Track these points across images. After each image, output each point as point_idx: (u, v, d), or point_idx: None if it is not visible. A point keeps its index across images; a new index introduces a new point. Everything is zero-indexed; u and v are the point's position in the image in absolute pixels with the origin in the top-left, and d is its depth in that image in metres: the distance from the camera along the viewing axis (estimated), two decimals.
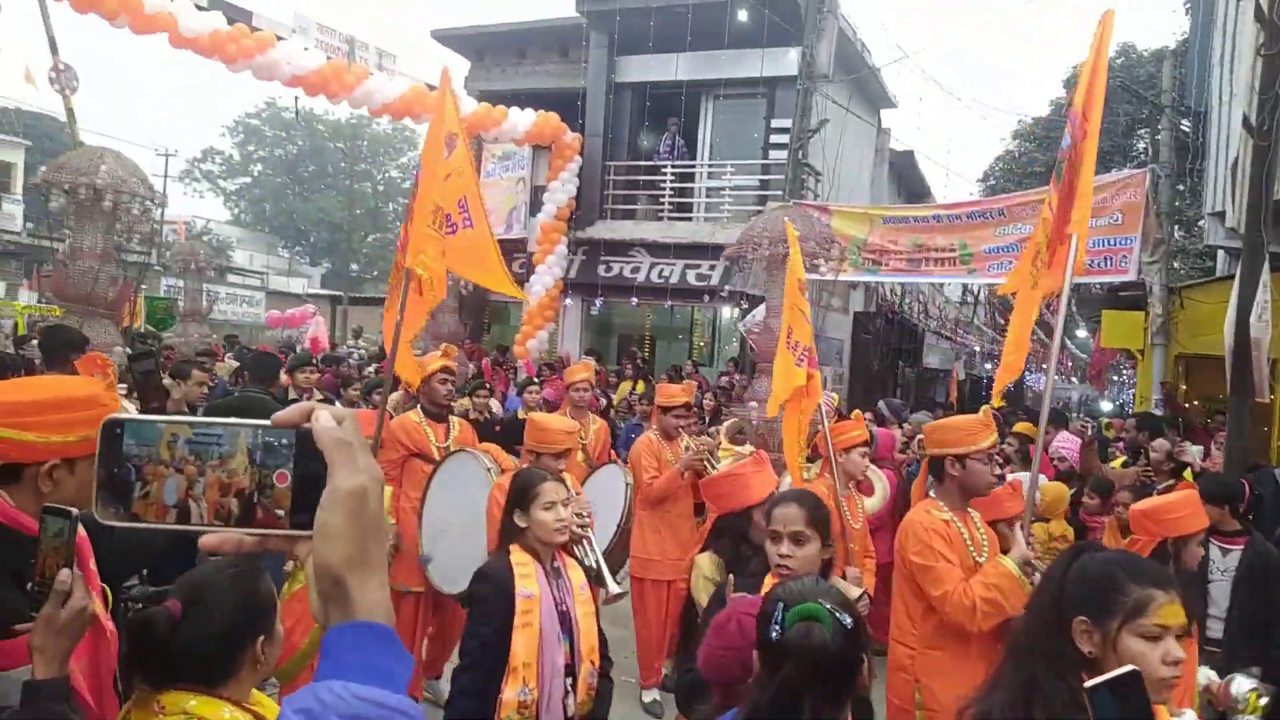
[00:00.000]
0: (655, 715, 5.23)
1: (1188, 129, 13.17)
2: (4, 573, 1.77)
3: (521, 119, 14.11)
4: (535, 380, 9.72)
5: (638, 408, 10.18)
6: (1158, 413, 9.81)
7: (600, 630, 2.88)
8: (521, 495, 2.82)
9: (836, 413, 6.12)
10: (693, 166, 15.49)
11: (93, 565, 1.97)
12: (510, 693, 2.59)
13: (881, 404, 9.33)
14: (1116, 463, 7.18)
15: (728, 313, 15.54)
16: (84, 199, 8.08)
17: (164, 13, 10.28)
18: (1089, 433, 6.91)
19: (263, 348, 15.11)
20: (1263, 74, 6.80)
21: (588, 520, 3.49)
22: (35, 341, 7.43)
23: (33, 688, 1.55)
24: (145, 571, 2.76)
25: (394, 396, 6.27)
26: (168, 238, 25.34)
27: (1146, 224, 10.44)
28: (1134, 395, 14.54)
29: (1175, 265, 15.22)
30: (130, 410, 2.90)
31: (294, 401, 5.83)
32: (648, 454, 5.44)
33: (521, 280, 15.27)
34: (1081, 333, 23.01)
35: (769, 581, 2.54)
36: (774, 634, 1.67)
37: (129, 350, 7.64)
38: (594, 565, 3.30)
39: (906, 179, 20.47)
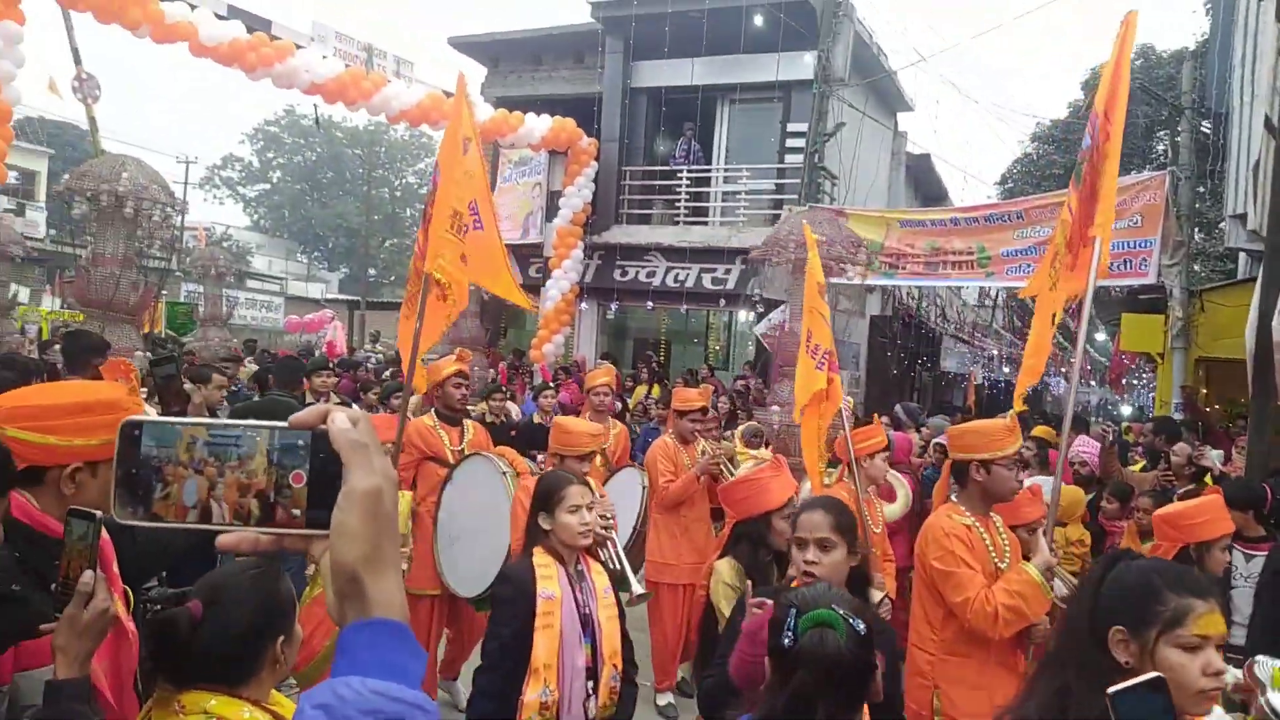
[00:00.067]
0: (669, 718, 5.23)
1: (1208, 130, 13.06)
2: (29, 574, 1.80)
3: (538, 125, 14.17)
4: (551, 385, 9.73)
5: (653, 412, 10.19)
6: (1177, 417, 9.71)
7: (626, 635, 2.88)
8: (547, 498, 2.83)
9: (853, 416, 6.10)
10: (708, 171, 15.50)
11: (115, 568, 1.99)
12: (531, 694, 2.60)
13: (898, 408, 9.27)
14: (1136, 467, 7.11)
15: (743, 316, 15.52)
16: (106, 206, 8.17)
17: (184, 22, 10.40)
18: (1109, 437, 6.84)
19: (282, 352, 15.23)
20: None
21: (612, 522, 3.49)
22: (58, 346, 7.52)
23: (55, 687, 1.57)
24: (164, 573, 2.79)
25: (413, 400, 6.30)
26: (188, 244, 25.56)
27: (1166, 226, 10.35)
28: (1154, 399, 14.39)
29: (1195, 268, 15.08)
30: (151, 414, 2.93)
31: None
32: (664, 458, 5.44)
33: (537, 285, 15.33)
34: (1101, 336, 22.83)
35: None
36: (787, 641, 1.66)
37: (150, 355, 7.73)
38: (618, 567, 3.30)
39: (923, 182, 20.38)
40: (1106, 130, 3.09)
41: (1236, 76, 11.12)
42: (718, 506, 5.03)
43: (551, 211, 15.57)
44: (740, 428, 7.40)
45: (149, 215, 8.44)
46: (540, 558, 2.78)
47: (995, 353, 23.07)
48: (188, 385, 5.52)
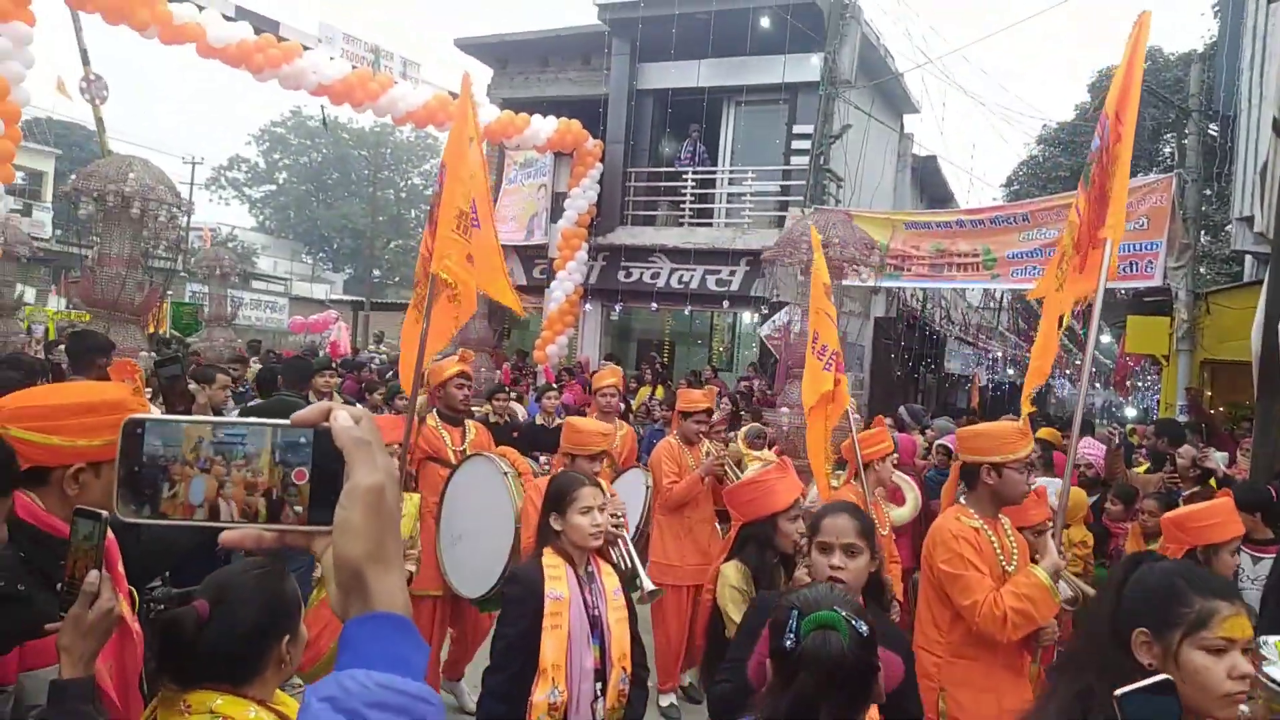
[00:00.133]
0: (672, 719, 5.22)
1: (1215, 133, 13.01)
2: (34, 574, 1.80)
3: (543, 126, 14.18)
4: (554, 386, 9.74)
5: (657, 413, 10.19)
6: (1182, 419, 9.68)
7: (636, 637, 2.88)
8: (559, 499, 2.83)
9: (859, 418, 6.08)
10: (714, 172, 15.49)
11: (120, 568, 1.99)
12: (540, 694, 2.60)
13: (902, 410, 9.26)
14: (1141, 469, 7.09)
15: (747, 318, 15.51)
16: (112, 206, 8.19)
17: (192, 23, 10.44)
18: (1115, 440, 6.82)
19: (287, 353, 15.26)
20: None
21: (623, 520, 3.49)
22: (63, 346, 7.54)
23: (59, 687, 1.57)
24: (167, 573, 2.79)
25: (420, 400, 6.31)
26: (193, 244, 25.63)
27: (1172, 229, 10.32)
28: (1159, 401, 14.36)
29: (1201, 270, 15.04)
30: (156, 414, 2.94)
31: None
32: (668, 459, 5.44)
33: (541, 286, 15.35)
34: (1106, 338, 22.77)
35: None
36: (789, 643, 1.65)
37: (155, 355, 7.75)
38: (629, 565, 3.30)
39: (929, 184, 20.36)
40: (1118, 131, 3.07)
41: (1244, 79, 11.09)
42: (723, 508, 5.02)
43: (556, 213, 15.58)
44: (743, 429, 7.39)
45: (155, 216, 8.45)
46: (550, 558, 2.78)
47: (1000, 355, 23.02)
48: (192, 386, 5.53)
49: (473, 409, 6.17)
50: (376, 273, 45.55)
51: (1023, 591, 2.92)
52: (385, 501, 0.75)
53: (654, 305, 15.06)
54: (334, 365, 9.33)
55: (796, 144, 14.30)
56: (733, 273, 14.18)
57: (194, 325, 16.96)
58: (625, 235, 15.36)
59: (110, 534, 1.75)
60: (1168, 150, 22.01)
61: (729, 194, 15.41)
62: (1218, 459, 6.68)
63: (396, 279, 46.44)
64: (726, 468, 5.39)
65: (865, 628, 1.66)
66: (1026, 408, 3.61)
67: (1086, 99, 24.05)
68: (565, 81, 16.58)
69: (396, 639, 0.73)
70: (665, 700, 5.28)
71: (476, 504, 4.44)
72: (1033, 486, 4.09)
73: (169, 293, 14.47)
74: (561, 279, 14.96)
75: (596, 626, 2.77)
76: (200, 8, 10.77)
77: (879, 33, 15.20)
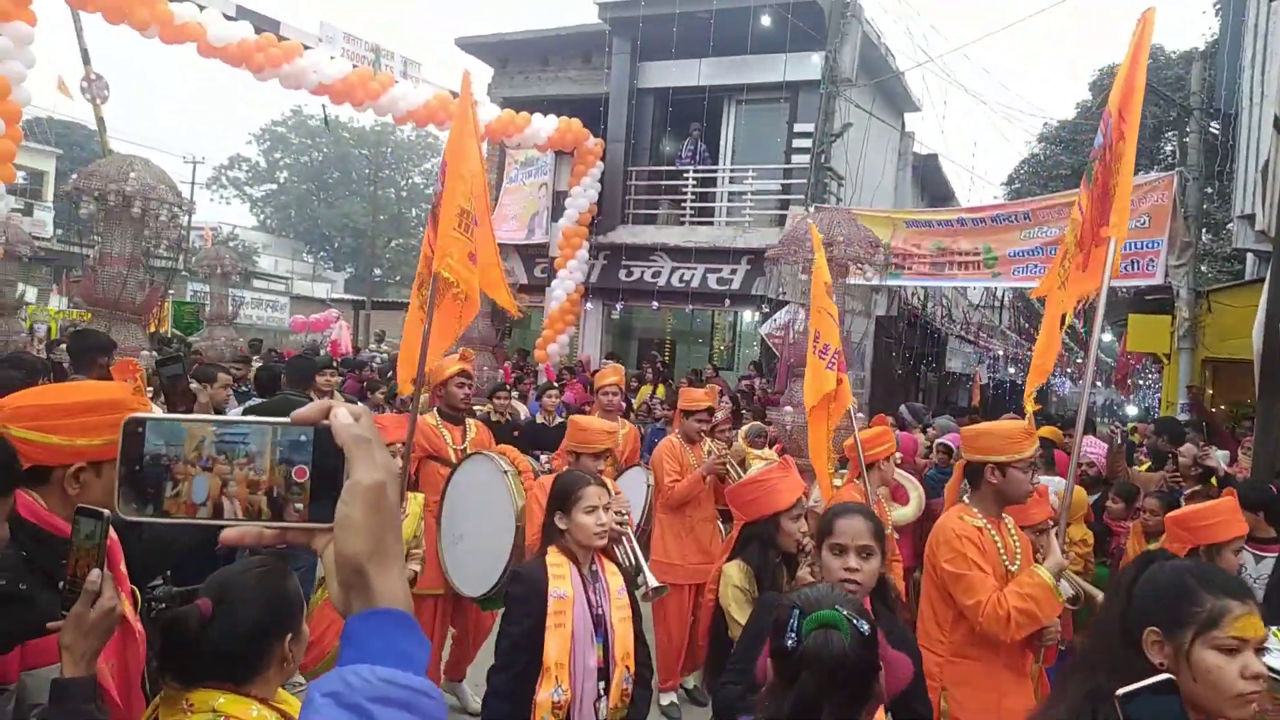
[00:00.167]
0: (673, 719, 5.22)
1: (1216, 131, 13.00)
2: (36, 573, 1.80)
3: (544, 125, 14.18)
4: (554, 385, 9.73)
5: (658, 412, 10.19)
6: (1183, 417, 9.68)
7: (640, 637, 2.87)
8: (564, 498, 2.83)
9: (862, 417, 6.08)
10: (715, 171, 15.49)
11: (123, 567, 1.99)
12: (544, 693, 2.60)
13: (903, 408, 9.26)
14: (1142, 468, 7.09)
15: (748, 317, 15.51)
16: (113, 206, 8.19)
17: (193, 23, 10.43)
18: (1117, 439, 6.82)
19: (289, 352, 15.27)
20: None
21: (627, 518, 3.49)
22: (64, 346, 7.55)
23: (61, 686, 1.57)
24: (168, 572, 2.80)
25: (423, 400, 6.31)
26: (194, 243, 25.63)
27: (1174, 227, 10.31)
28: (1160, 400, 14.35)
29: (1203, 269, 15.03)
30: (157, 412, 2.94)
31: None
32: (670, 457, 5.44)
33: (542, 285, 15.35)
34: (1107, 336, 22.76)
35: None
36: (790, 642, 1.64)
37: (156, 354, 7.75)
38: (633, 563, 3.29)
39: (930, 182, 20.35)
40: (1120, 129, 3.06)
41: (1246, 77, 11.07)
42: (726, 508, 5.02)
43: (557, 212, 15.58)
44: (744, 428, 7.39)
45: (156, 215, 8.46)
46: (554, 557, 2.78)
47: (1000, 353, 23.02)
48: (194, 385, 5.53)
49: (474, 408, 6.17)
50: (377, 272, 45.57)
51: (1026, 591, 2.92)
52: (386, 499, 0.76)
53: (655, 304, 15.06)
54: (334, 364, 9.32)
55: (797, 142, 14.29)
56: (734, 271, 14.18)
57: (195, 324, 16.97)
58: (626, 234, 15.36)
59: (113, 533, 1.75)
60: (1169, 148, 21.99)
61: (730, 193, 15.41)
62: (1219, 457, 6.68)
63: (397, 278, 46.45)
64: (729, 466, 5.38)
65: (866, 627, 1.65)
66: (1030, 406, 3.59)
67: (1088, 97, 24.02)
68: (566, 80, 16.57)
69: (399, 634, 0.73)
70: (666, 699, 5.28)
71: (477, 503, 4.44)
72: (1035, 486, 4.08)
73: (170, 292, 14.46)
74: (562, 278, 14.97)
75: (600, 626, 2.76)
76: (201, 7, 10.77)
77: (880, 31, 15.20)
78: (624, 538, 3.34)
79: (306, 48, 11.81)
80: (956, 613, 3.07)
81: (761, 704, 1.72)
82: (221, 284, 14.77)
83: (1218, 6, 18.26)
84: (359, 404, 0.88)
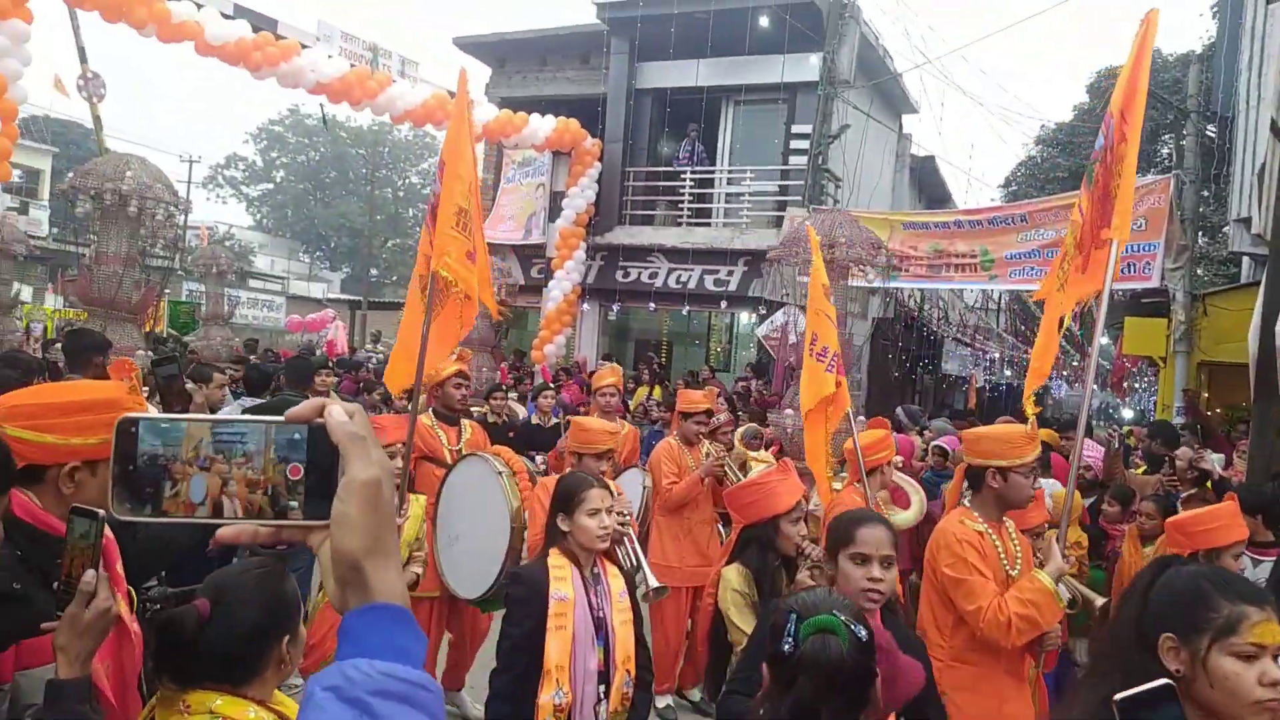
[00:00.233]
0: None
1: (1213, 134, 13.03)
2: (31, 572, 1.79)
3: (542, 125, 14.17)
4: (550, 385, 9.72)
5: (654, 414, 10.18)
6: (1179, 421, 9.69)
7: (641, 640, 2.86)
8: (567, 500, 2.82)
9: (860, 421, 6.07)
10: (712, 172, 15.49)
11: (119, 567, 1.98)
12: (545, 696, 2.59)
13: (900, 410, 9.26)
14: (1138, 471, 7.09)
15: (745, 318, 15.51)
16: (110, 204, 8.18)
17: (190, 21, 10.42)
18: (1115, 442, 6.82)
19: (285, 352, 15.24)
20: None
21: (629, 519, 3.48)
22: (59, 345, 7.53)
23: (56, 687, 1.56)
24: (163, 572, 2.79)
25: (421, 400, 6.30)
26: (190, 243, 25.59)
27: (1170, 230, 10.33)
28: (1155, 403, 14.37)
29: (1199, 272, 15.06)
30: (153, 412, 2.94)
31: None
32: (668, 459, 5.42)
33: (539, 285, 15.34)
34: (1103, 339, 22.79)
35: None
36: (787, 647, 1.63)
37: (152, 354, 7.73)
38: (634, 563, 3.28)
39: (927, 184, 20.38)
40: (1122, 131, 3.04)
41: (1242, 80, 11.10)
42: (725, 510, 5.01)
43: (554, 212, 15.57)
44: (740, 429, 7.38)
45: (152, 214, 8.45)
46: (555, 559, 2.78)
47: (997, 355, 23.03)
48: (189, 385, 5.52)
49: (471, 409, 6.16)
50: (374, 272, 45.51)
51: (1027, 597, 2.90)
52: (382, 495, 0.76)
53: (652, 305, 15.06)
54: (330, 364, 9.31)
55: (795, 144, 14.30)
56: (731, 273, 14.19)
57: (191, 324, 16.94)
58: (623, 235, 15.36)
59: (109, 533, 1.75)
60: (1165, 151, 22.02)
61: (727, 194, 15.41)
62: (1213, 460, 6.69)
63: (394, 278, 46.39)
64: (727, 469, 5.37)
65: (864, 632, 1.64)
66: (1031, 409, 3.57)
67: (1085, 100, 24.07)
68: (564, 81, 16.57)
69: (396, 629, 0.74)
70: (662, 702, 5.27)
71: (472, 504, 4.42)
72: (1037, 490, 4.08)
73: (166, 291, 14.44)
74: (559, 278, 14.96)
75: (601, 628, 2.76)
76: (198, 5, 10.76)
77: (878, 33, 15.21)
78: (625, 539, 3.33)
79: (304, 47, 11.80)
80: (956, 618, 3.05)
81: (758, 708, 1.71)
82: (217, 283, 14.76)
83: (1215, 9, 18.30)
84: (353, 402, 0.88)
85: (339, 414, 0.78)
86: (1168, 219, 10.15)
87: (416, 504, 4.30)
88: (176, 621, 1.62)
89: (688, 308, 15.02)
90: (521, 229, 16.12)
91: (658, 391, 12.40)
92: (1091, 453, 6.80)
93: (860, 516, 2.60)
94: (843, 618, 1.64)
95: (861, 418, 6.62)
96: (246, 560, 1.85)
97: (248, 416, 0.80)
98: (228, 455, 0.78)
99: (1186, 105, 12.89)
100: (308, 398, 6.01)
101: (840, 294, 7.36)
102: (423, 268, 3.94)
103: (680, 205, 15.36)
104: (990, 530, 3.11)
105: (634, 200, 15.64)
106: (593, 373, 10.04)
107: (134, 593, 2.05)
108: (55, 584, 1.62)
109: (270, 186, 49.15)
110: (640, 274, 14.98)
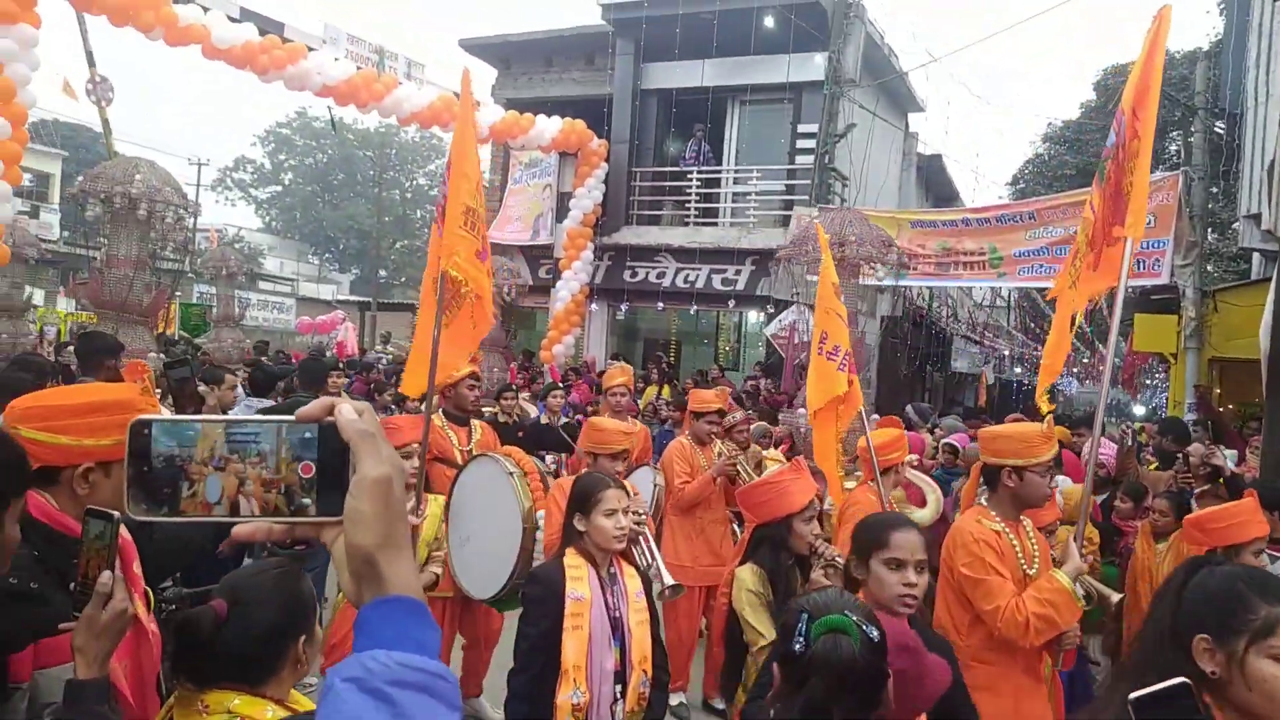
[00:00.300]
0: (681, 719, 5.20)
1: (1221, 131, 12.96)
2: (49, 573, 1.80)
3: (548, 126, 14.18)
4: (559, 385, 9.73)
5: (664, 413, 10.18)
6: (1190, 417, 9.65)
7: (658, 639, 2.86)
8: (584, 500, 2.83)
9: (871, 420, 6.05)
10: (718, 172, 15.48)
11: (136, 568, 1.99)
12: (563, 695, 2.60)
13: (909, 408, 9.26)
14: (1150, 467, 7.06)
15: (754, 317, 15.50)
16: (119, 208, 8.21)
17: (197, 25, 10.45)
18: (1128, 439, 6.79)
19: (296, 354, 15.29)
20: None
21: (644, 518, 3.47)
22: (72, 348, 7.56)
23: (75, 687, 1.57)
24: (179, 573, 2.80)
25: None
26: (200, 245, 25.74)
27: (1179, 227, 10.29)
28: (1167, 399, 14.31)
29: (1209, 268, 14.97)
30: (166, 414, 2.96)
31: None
32: (680, 459, 5.42)
33: (547, 286, 15.36)
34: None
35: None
36: (798, 646, 1.63)
37: (164, 356, 7.76)
38: (650, 562, 3.28)
39: (934, 183, 20.32)
40: (1135, 127, 3.02)
41: (1250, 77, 11.05)
42: (738, 509, 5.00)
43: (562, 213, 15.59)
44: (749, 428, 7.37)
45: (162, 217, 8.48)
46: (572, 559, 2.78)
47: (1006, 353, 22.97)
48: (201, 387, 5.54)
49: (482, 409, 6.16)
50: (383, 273, 45.63)
51: (1045, 597, 2.88)
52: (393, 491, 0.77)
53: (660, 305, 15.07)
54: (340, 366, 9.33)
55: (801, 143, 14.28)
56: (738, 272, 14.18)
57: (202, 326, 17.01)
58: (630, 235, 15.36)
59: (126, 533, 1.75)
60: (1174, 148, 21.93)
61: (734, 193, 15.40)
62: (1225, 457, 6.65)
63: (403, 279, 46.49)
64: (740, 468, 5.36)
65: (876, 633, 1.63)
66: (1045, 406, 3.54)
67: (1092, 97, 23.99)
68: (569, 81, 16.58)
69: (411, 621, 0.75)
70: (675, 699, 5.27)
71: (483, 505, 4.42)
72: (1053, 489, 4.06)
73: (177, 294, 14.51)
74: (567, 279, 14.97)
75: (618, 628, 2.76)
76: (205, 9, 10.79)
77: (883, 32, 15.18)
78: (641, 538, 3.33)
79: (311, 49, 11.83)
80: (973, 617, 3.03)
81: (769, 708, 1.71)
82: (227, 286, 14.81)
83: (1222, 6, 18.22)
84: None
85: (348, 412, 0.79)
86: (1177, 215, 10.11)
87: (435, 504, 4.29)
88: (193, 622, 1.63)
89: (695, 307, 15.01)
90: (529, 230, 16.14)
91: (666, 391, 12.40)
92: (1104, 449, 6.77)
93: (893, 520, 2.56)
94: (854, 618, 1.63)
95: (875, 415, 6.59)
96: (262, 561, 1.86)
97: (257, 416, 0.81)
98: (242, 455, 0.79)
99: (1194, 102, 12.83)
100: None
101: (850, 292, 7.34)
102: (434, 269, 3.95)
103: (687, 205, 15.35)
104: (1007, 529, 3.09)
105: (641, 200, 15.64)
106: (602, 373, 10.04)
107: (151, 593, 2.06)
108: (72, 585, 1.63)
109: (279, 189, 49.29)
110: (648, 274, 14.98)
